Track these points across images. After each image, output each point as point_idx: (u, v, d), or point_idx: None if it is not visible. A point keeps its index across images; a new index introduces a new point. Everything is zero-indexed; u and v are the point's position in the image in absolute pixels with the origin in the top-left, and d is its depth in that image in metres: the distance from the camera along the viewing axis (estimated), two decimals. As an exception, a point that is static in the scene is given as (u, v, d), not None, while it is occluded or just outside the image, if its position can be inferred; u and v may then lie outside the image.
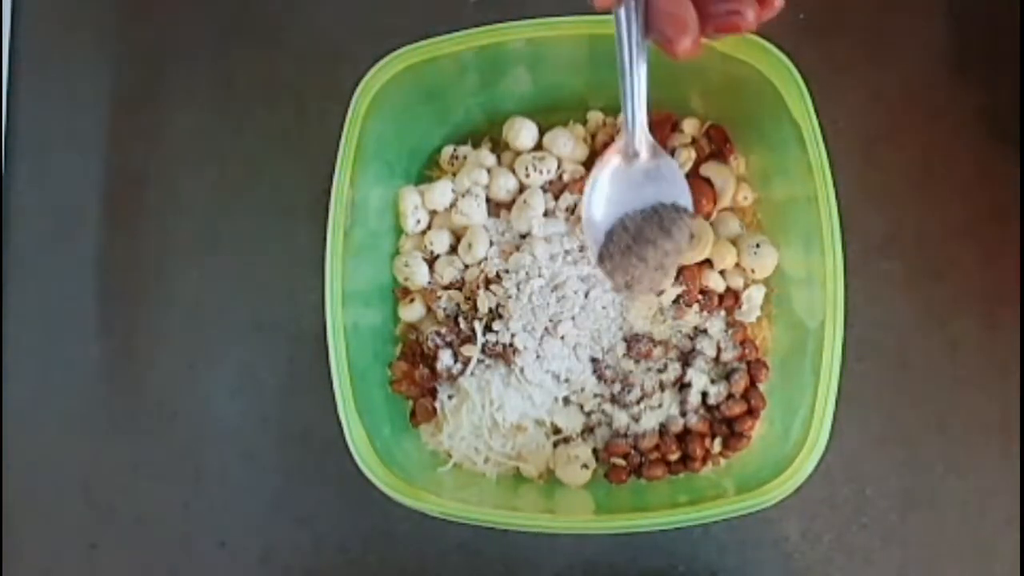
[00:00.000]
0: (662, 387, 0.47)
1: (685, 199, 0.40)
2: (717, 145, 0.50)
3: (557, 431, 0.49)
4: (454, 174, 0.51)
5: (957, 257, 0.52)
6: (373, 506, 0.46)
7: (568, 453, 0.48)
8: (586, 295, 0.47)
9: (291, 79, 0.56)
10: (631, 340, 0.47)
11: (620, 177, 0.39)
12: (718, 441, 0.48)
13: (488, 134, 0.52)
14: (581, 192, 0.50)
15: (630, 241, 0.39)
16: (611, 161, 0.39)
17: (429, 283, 0.50)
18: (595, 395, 0.48)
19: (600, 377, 0.48)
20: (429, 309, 0.50)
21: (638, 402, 0.47)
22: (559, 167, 0.50)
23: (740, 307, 0.49)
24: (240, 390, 0.54)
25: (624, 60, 0.33)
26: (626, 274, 0.39)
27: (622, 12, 0.32)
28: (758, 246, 0.48)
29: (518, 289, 0.48)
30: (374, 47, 0.45)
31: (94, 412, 0.55)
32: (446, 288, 0.50)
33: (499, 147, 0.52)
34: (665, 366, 0.48)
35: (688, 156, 0.49)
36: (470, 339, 0.48)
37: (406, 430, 0.50)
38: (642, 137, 0.38)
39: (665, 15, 0.31)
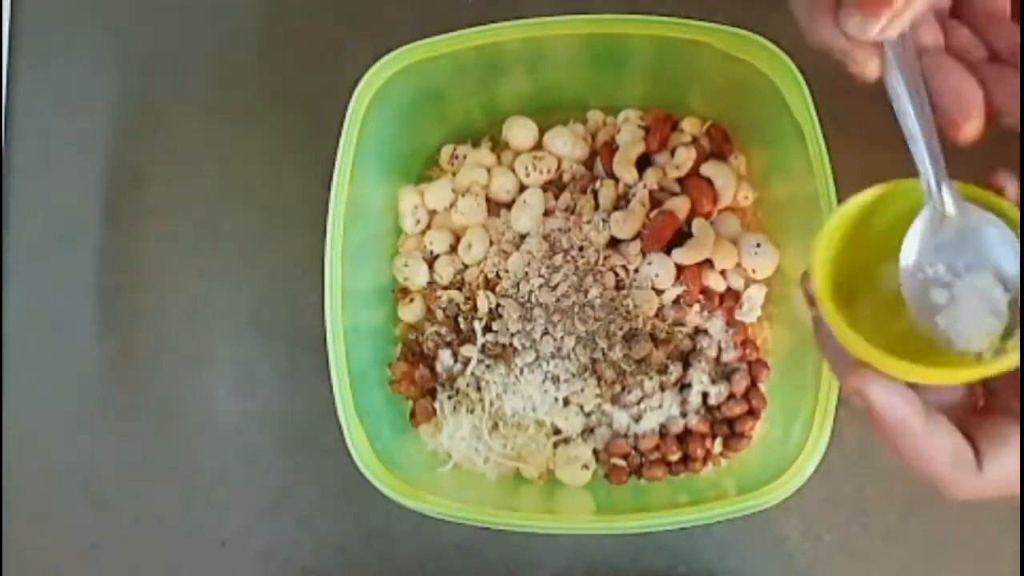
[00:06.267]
0: (662, 388, 0.47)
1: (1012, 257, 0.31)
2: (717, 144, 0.50)
3: (557, 432, 0.49)
4: (454, 174, 0.51)
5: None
6: (373, 506, 0.46)
7: (568, 454, 0.48)
8: (586, 295, 0.47)
9: (291, 79, 0.56)
10: (631, 340, 0.47)
11: (930, 238, 0.32)
12: (719, 441, 0.48)
13: (488, 134, 0.52)
14: (582, 192, 0.50)
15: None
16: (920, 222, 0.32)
17: (429, 283, 0.50)
18: (595, 395, 0.48)
19: (600, 377, 0.48)
20: (429, 309, 0.50)
21: (638, 403, 0.47)
22: (559, 166, 0.50)
23: (741, 307, 0.48)
24: (240, 390, 0.54)
25: (912, 131, 0.30)
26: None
27: (896, 80, 0.29)
28: (759, 246, 0.48)
29: (517, 289, 0.48)
30: (374, 47, 0.45)
31: (94, 412, 0.55)
32: (446, 288, 0.50)
33: (499, 147, 0.52)
34: (666, 366, 0.47)
35: (688, 155, 0.49)
36: (470, 339, 0.48)
37: (406, 431, 0.50)
38: (949, 197, 0.31)
39: (950, 93, 0.29)
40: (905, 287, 0.33)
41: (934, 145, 0.31)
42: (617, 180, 0.49)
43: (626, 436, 0.48)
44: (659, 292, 0.48)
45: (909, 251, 0.33)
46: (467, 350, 0.48)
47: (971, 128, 0.29)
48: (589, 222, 0.48)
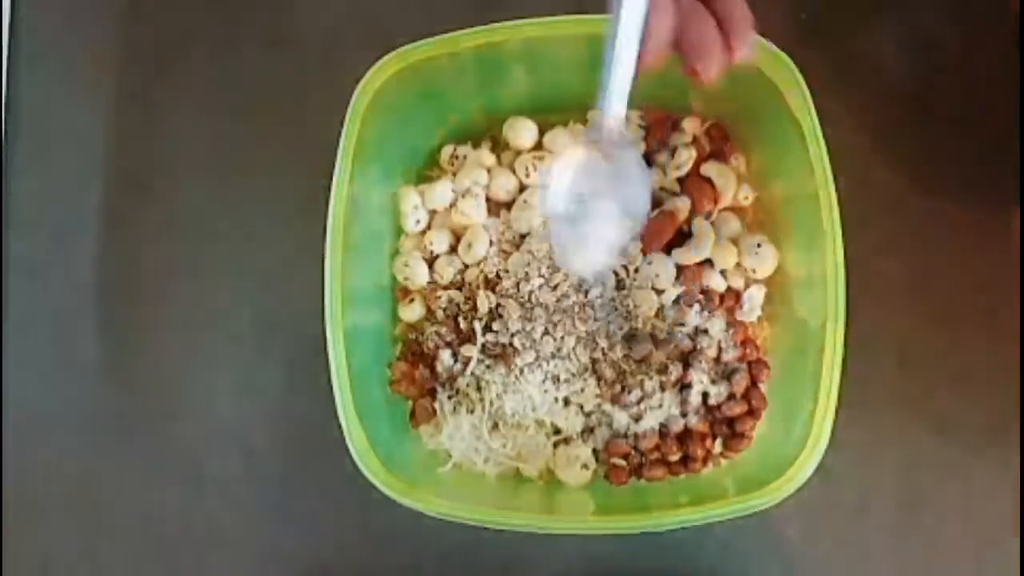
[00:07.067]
0: (662, 387, 0.47)
1: (642, 197, 0.40)
2: (717, 144, 0.50)
3: (557, 431, 0.49)
4: (454, 174, 0.51)
5: (957, 257, 0.52)
6: (373, 506, 0.46)
7: (568, 453, 0.48)
8: (586, 295, 0.47)
9: (291, 79, 0.56)
10: (631, 340, 0.47)
11: (583, 168, 0.39)
12: (719, 441, 0.48)
13: (488, 134, 0.52)
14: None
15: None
16: (577, 150, 0.39)
17: (429, 283, 0.50)
18: (595, 395, 0.48)
19: (600, 377, 0.48)
20: (429, 309, 0.50)
21: (638, 402, 0.47)
22: (559, 167, 0.50)
23: (741, 307, 0.48)
24: (240, 390, 0.54)
25: (614, 45, 0.33)
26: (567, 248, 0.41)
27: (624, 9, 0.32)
28: (759, 246, 0.48)
29: (517, 289, 0.48)
30: (374, 47, 0.45)
31: (94, 412, 0.55)
32: (446, 288, 0.50)
33: (499, 147, 0.52)
34: (666, 366, 0.47)
35: (688, 155, 0.49)
36: (470, 339, 0.48)
37: (406, 430, 0.50)
38: (613, 130, 0.38)
39: (695, 41, 0.32)
40: (548, 197, 0.39)
41: (629, 75, 0.34)
42: (617, 180, 0.49)
43: (626, 436, 0.48)
44: (659, 292, 0.48)
45: (563, 163, 0.39)
46: (467, 350, 0.48)
47: (711, 72, 0.32)
48: (589, 222, 0.48)
